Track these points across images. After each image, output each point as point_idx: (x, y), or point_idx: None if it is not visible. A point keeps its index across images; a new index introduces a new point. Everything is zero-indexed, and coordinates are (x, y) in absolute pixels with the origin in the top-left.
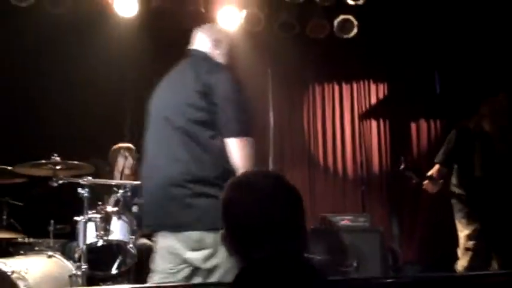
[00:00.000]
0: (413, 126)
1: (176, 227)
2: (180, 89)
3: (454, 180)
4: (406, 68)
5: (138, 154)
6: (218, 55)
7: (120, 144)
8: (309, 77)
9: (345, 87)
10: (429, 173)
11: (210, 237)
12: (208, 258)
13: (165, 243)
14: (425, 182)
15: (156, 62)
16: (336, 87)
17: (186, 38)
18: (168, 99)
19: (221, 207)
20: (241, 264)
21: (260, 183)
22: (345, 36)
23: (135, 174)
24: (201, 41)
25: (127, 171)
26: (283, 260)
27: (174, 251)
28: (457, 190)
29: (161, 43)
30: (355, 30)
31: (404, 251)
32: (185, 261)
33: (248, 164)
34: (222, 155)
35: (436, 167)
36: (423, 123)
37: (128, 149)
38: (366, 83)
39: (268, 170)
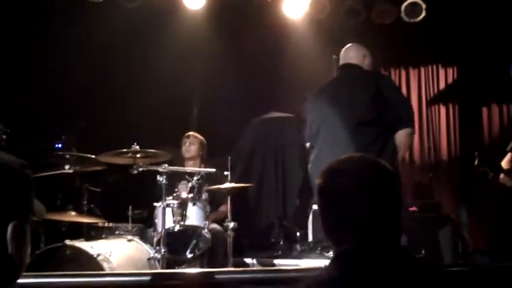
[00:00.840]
0: (484, 110)
1: None
2: (353, 97)
3: None
4: (477, 50)
5: (202, 140)
6: (367, 65)
7: (190, 132)
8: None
9: (412, 72)
10: (504, 166)
11: None
12: None
13: None
14: (502, 176)
15: (222, 53)
16: (403, 72)
17: (252, 28)
18: (340, 106)
19: (316, 193)
20: (334, 251)
21: (354, 169)
22: (413, 20)
23: (196, 158)
24: (353, 57)
25: (187, 155)
26: (380, 250)
27: None
28: None
29: (227, 34)
30: (423, 14)
31: (474, 239)
32: None
33: (407, 149)
34: (385, 148)
35: (508, 156)
36: (495, 108)
37: (187, 136)
38: (434, 67)
39: (363, 155)
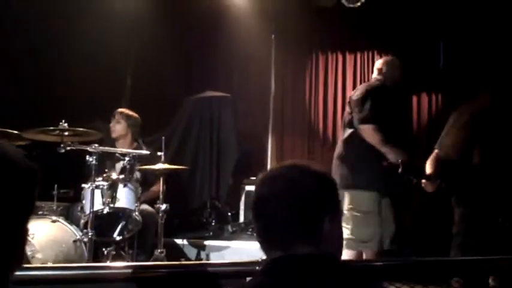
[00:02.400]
0: (414, 99)
1: None
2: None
3: None
4: (411, 39)
5: (131, 117)
6: (378, 75)
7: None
8: (313, 46)
9: (349, 57)
10: (429, 165)
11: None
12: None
13: None
14: (424, 182)
15: (158, 28)
16: (340, 57)
17: (190, 4)
18: None
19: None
20: (266, 258)
21: (286, 175)
22: (352, 5)
23: (125, 136)
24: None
25: (113, 135)
26: (312, 259)
27: None
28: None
29: (164, 8)
30: (362, 0)
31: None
32: None
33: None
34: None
35: (434, 154)
36: (424, 97)
37: (113, 115)
38: (370, 53)
39: (301, 161)
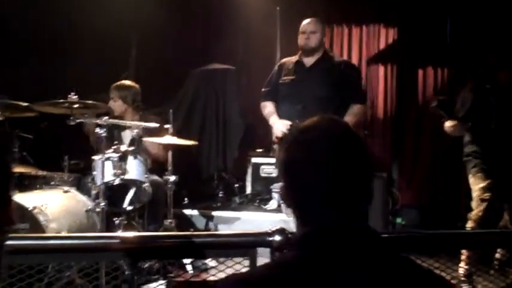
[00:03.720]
0: (420, 73)
1: None
2: None
3: (467, 137)
4: (418, 13)
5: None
6: None
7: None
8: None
9: (355, 30)
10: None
11: None
12: None
13: None
14: (452, 123)
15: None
16: (346, 30)
17: None
18: None
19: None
20: (301, 230)
21: (315, 139)
22: None
23: (126, 112)
24: None
25: (115, 113)
26: (349, 229)
27: None
28: (470, 147)
29: None
30: None
31: (403, 195)
32: None
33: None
34: None
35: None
36: (430, 71)
37: (111, 92)
38: (376, 26)
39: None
